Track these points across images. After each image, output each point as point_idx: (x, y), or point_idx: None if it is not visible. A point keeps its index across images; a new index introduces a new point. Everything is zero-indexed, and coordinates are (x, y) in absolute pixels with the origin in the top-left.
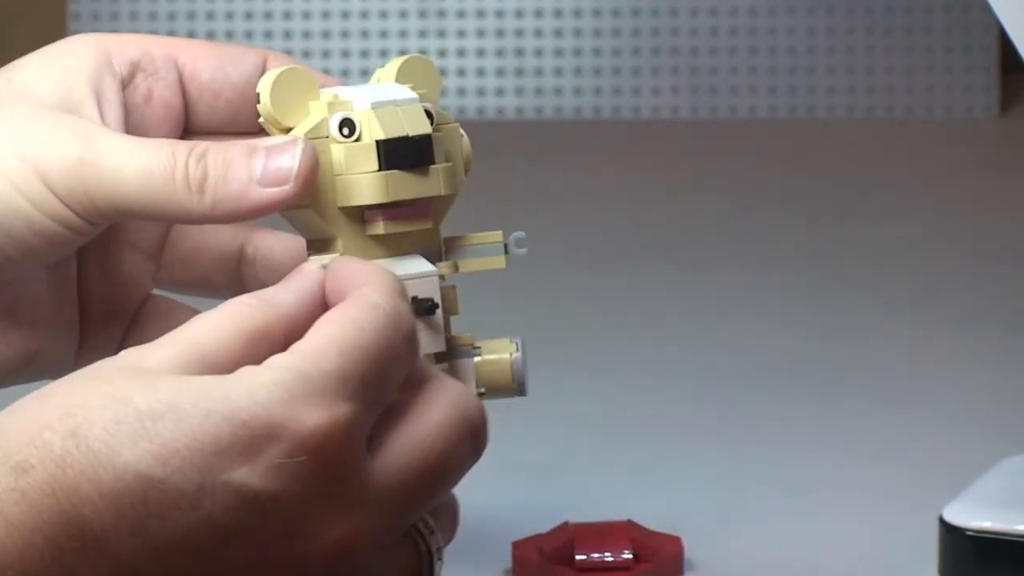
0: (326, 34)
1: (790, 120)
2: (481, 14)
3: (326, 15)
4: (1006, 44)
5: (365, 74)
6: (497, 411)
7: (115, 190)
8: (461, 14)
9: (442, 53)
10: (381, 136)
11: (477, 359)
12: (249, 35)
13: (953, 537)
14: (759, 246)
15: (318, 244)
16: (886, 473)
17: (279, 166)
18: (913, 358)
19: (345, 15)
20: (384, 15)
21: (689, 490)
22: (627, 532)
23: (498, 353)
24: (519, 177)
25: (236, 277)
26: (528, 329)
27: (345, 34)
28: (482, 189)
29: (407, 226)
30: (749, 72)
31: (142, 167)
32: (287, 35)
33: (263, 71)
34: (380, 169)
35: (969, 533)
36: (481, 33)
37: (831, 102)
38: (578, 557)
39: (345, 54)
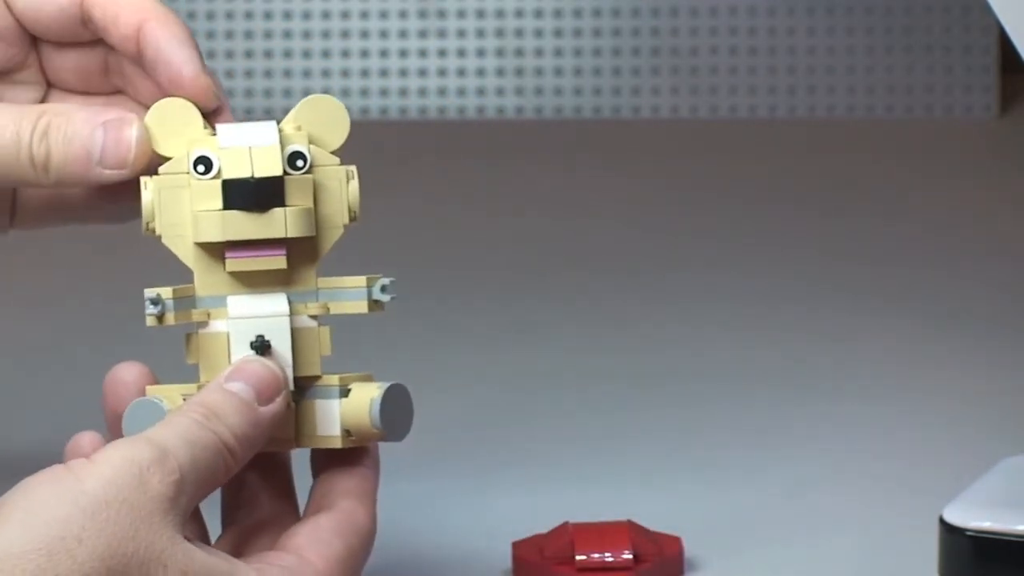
0: (326, 34)
1: (790, 120)
2: (481, 14)
3: (326, 15)
4: (1006, 44)
5: (365, 74)
6: (498, 411)
7: None
8: (461, 14)
9: (442, 53)
10: (226, 176)
11: (343, 400)
12: (249, 35)
13: (953, 537)
14: (759, 246)
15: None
16: (886, 473)
17: (115, 149)
18: (913, 358)
19: (345, 15)
20: (384, 15)
21: (689, 490)
22: (627, 532)
23: (362, 396)
24: (519, 177)
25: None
26: (527, 329)
27: (345, 34)
28: (482, 189)
29: (256, 265)
30: (749, 72)
31: None
32: (287, 35)
33: None
34: (223, 208)
35: (969, 533)
36: (481, 33)
37: (831, 102)
38: (578, 557)
39: (345, 54)
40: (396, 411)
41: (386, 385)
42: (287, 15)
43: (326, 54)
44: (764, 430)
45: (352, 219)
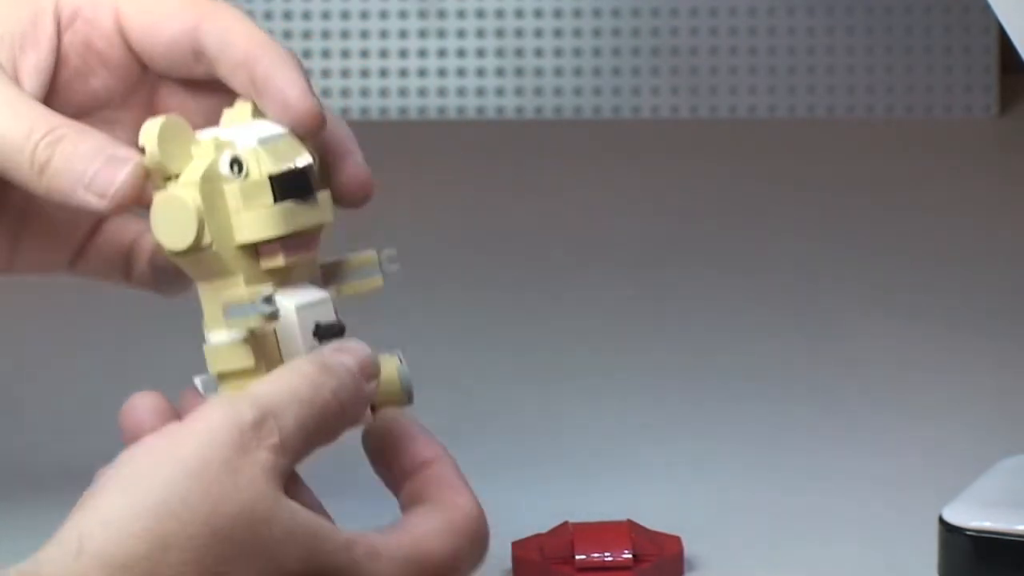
0: (326, 34)
1: (790, 120)
2: (481, 14)
3: (326, 15)
4: (1006, 44)
5: (365, 74)
6: (496, 411)
7: None
8: (461, 14)
9: (442, 53)
10: (272, 170)
11: None
12: None
13: (953, 537)
14: (759, 246)
15: (211, 284)
16: (886, 473)
17: (104, 179)
18: (913, 358)
19: (345, 15)
20: (384, 15)
21: (689, 490)
22: (627, 532)
23: (385, 366)
24: (519, 177)
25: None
26: (527, 328)
27: (345, 34)
28: (482, 190)
29: (302, 257)
30: (749, 72)
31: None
32: (287, 35)
33: (198, 28)
34: (275, 202)
35: (969, 533)
36: (481, 33)
37: (831, 102)
38: (578, 557)
39: (345, 54)
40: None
41: (399, 353)
42: (287, 15)
43: (326, 54)
44: (764, 430)
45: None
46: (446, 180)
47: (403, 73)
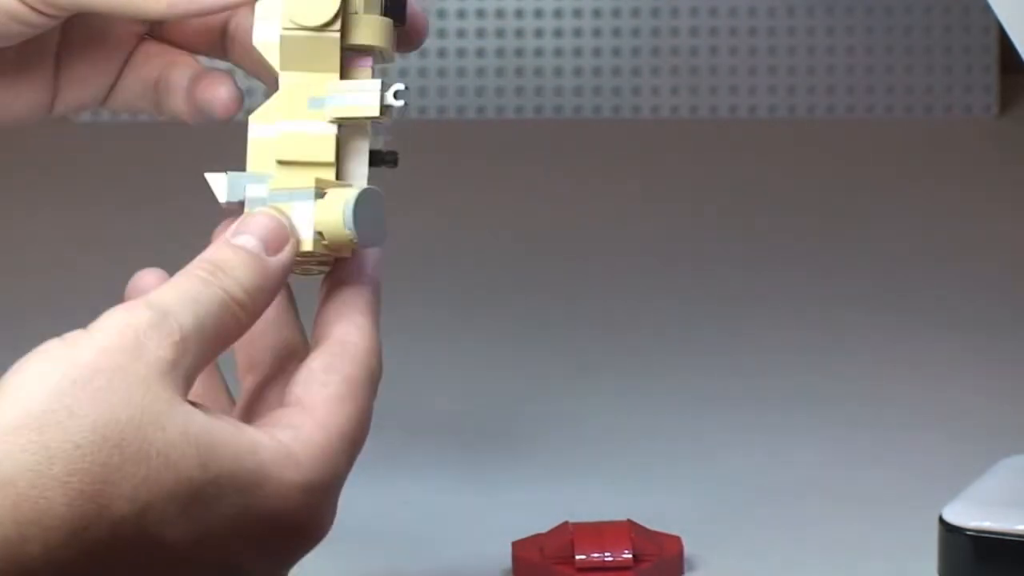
0: None
1: (790, 120)
2: (481, 14)
3: None
4: (1006, 44)
5: None
6: (498, 411)
7: None
8: (461, 14)
9: (442, 53)
10: None
11: (318, 202)
12: None
13: (953, 537)
14: (758, 246)
15: (297, 75)
16: (886, 473)
17: None
18: (913, 358)
19: None
20: None
21: (689, 490)
22: (627, 532)
23: (336, 198)
24: (519, 177)
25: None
26: (526, 328)
27: None
28: (483, 189)
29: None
30: (749, 72)
31: None
32: None
33: None
34: (381, 14)
35: (969, 533)
36: (481, 33)
37: (831, 102)
38: (578, 557)
39: None
40: (369, 214)
41: (360, 189)
42: None
43: None
44: (764, 430)
45: None
46: (447, 180)
47: (404, 73)
